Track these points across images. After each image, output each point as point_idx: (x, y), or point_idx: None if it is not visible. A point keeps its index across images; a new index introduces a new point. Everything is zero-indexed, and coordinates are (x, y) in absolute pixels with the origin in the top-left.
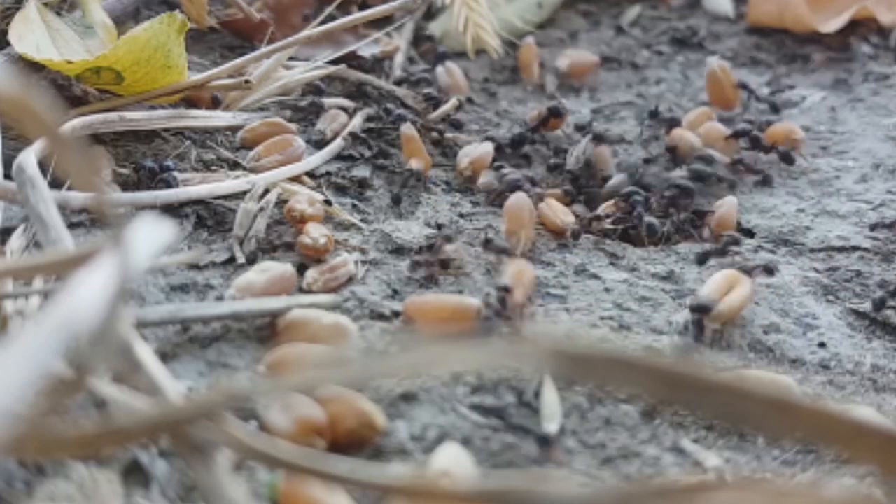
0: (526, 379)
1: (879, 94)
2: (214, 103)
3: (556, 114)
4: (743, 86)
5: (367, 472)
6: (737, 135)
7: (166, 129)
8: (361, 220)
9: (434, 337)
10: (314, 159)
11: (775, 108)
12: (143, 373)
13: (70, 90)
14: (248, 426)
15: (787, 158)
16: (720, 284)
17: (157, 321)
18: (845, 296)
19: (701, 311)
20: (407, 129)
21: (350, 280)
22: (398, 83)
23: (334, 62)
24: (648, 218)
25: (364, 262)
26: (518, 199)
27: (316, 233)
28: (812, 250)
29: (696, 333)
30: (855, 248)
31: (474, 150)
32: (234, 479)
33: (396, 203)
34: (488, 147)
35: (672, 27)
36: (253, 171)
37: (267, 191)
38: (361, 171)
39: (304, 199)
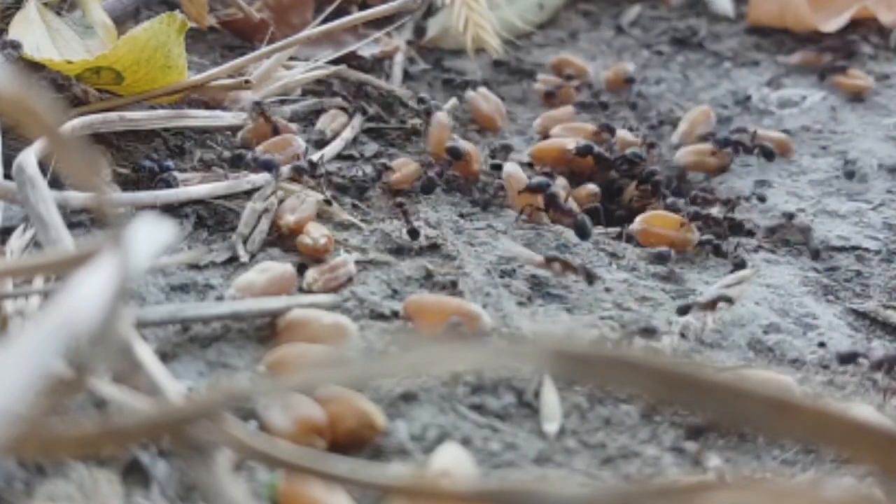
0: (526, 379)
1: (879, 94)
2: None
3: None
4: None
5: (367, 472)
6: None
7: (166, 129)
8: (361, 220)
9: (434, 337)
10: (314, 159)
11: None
12: (143, 373)
13: (70, 90)
14: (248, 426)
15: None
16: None
17: (157, 321)
18: (845, 296)
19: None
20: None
21: (350, 280)
22: None
23: (334, 62)
24: None
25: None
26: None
27: (316, 233)
28: (813, 250)
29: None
30: (855, 248)
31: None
32: (234, 479)
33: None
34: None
35: (672, 27)
36: (253, 171)
37: (273, 192)
38: (361, 171)
39: (290, 208)
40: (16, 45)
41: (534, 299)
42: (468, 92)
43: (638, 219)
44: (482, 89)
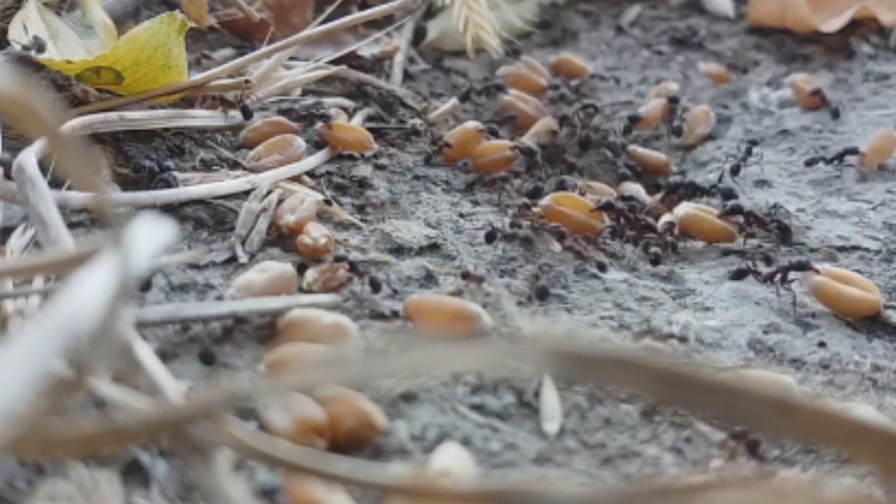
0: (526, 379)
1: (879, 94)
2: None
3: None
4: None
5: (367, 472)
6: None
7: (166, 129)
8: (361, 220)
9: (434, 337)
10: (314, 159)
11: None
12: (143, 373)
13: (70, 90)
14: (248, 426)
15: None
16: None
17: (157, 321)
18: None
19: None
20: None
21: (350, 280)
22: None
23: (334, 62)
24: None
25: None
26: None
27: (316, 233)
28: (812, 250)
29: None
30: (855, 248)
31: None
32: (234, 479)
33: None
34: None
35: (672, 27)
36: (253, 170)
37: (270, 191)
38: (361, 171)
39: (289, 208)
40: (40, 47)
41: (534, 299)
42: (501, 95)
43: (548, 196)
44: (514, 91)
